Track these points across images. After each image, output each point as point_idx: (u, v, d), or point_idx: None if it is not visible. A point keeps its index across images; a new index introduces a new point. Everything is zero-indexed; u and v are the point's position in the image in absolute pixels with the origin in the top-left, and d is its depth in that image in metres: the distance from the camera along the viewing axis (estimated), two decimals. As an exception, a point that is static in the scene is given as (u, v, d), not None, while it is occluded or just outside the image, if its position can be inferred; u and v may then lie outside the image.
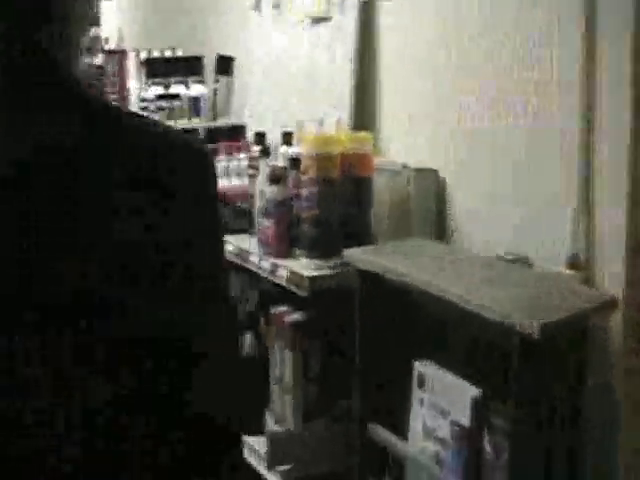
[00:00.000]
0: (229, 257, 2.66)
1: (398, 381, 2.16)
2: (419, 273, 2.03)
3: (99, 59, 4.76)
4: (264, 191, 2.44)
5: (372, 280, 2.14)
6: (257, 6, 3.36)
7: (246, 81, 3.41)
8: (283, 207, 2.41)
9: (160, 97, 3.47)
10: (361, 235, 2.34)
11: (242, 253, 2.56)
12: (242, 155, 2.94)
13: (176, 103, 3.45)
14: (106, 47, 5.77)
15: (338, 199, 2.30)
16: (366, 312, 2.20)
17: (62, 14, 1.00)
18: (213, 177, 1.09)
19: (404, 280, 2.03)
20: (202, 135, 3.08)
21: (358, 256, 2.19)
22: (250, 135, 3.12)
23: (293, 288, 2.29)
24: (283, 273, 2.33)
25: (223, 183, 2.91)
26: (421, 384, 2.10)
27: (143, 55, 3.81)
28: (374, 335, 2.22)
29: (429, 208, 2.43)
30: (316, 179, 2.26)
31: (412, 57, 2.55)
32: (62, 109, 1.00)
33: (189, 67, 3.66)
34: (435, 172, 2.43)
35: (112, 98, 4.24)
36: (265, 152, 2.50)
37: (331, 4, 2.85)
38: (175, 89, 3.54)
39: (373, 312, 2.20)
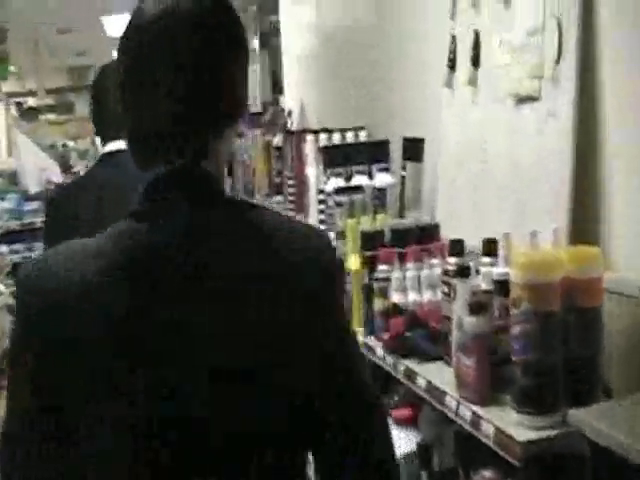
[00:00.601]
0: (419, 392, 2.21)
1: None
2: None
3: (279, 139, 4.45)
4: (462, 320, 1.96)
5: (605, 451, 1.62)
6: (449, 82, 2.92)
7: (437, 169, 2.96)
8: (486, 342, 1.93)
9: (340, 190, 3.07)
10: (588, 384, 1.81)
11: (436, 392, 2.10)
12: (435, 261, 2.49)
13: (358, 197, 3.02)
14: (288, 123, 5.52)
15: (558, 338, 1.79)
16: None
17: (215, 151, 1.32)
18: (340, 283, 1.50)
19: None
20: (388, 237, 2.64)
21: (585, 420, 1.66)
22: (443, 235, 2.66)
23: (501, 452, 1.79)
24: (488, 430, 1.84)
25: (413, 297, 2.46)
26: None
27: (322, 140, 3.42)
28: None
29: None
30: (530, 313, 1.77)
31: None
32: (213, 208, 1.29)
33: (373, 153, 3.22)
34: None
35: (290, 184, 3.91)
36: (463, 272, 2.02)
37: (541, 80, 2.36)
38: (357, 180, 3.11)
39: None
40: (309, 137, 3.49)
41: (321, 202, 3.12)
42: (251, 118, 8.10)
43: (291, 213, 3.86)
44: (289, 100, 6.32)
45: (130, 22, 1.29)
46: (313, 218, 3.35)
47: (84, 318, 1.20)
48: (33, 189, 8.21)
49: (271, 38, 8.04)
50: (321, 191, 3.15)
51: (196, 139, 1.28)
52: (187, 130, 1.27)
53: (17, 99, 15.90)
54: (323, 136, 3.44)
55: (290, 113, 5.68)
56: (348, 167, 3.13)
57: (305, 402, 1.27)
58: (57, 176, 8.45)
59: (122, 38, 1.29)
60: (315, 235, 1.37)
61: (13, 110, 16.30)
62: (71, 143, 13.25)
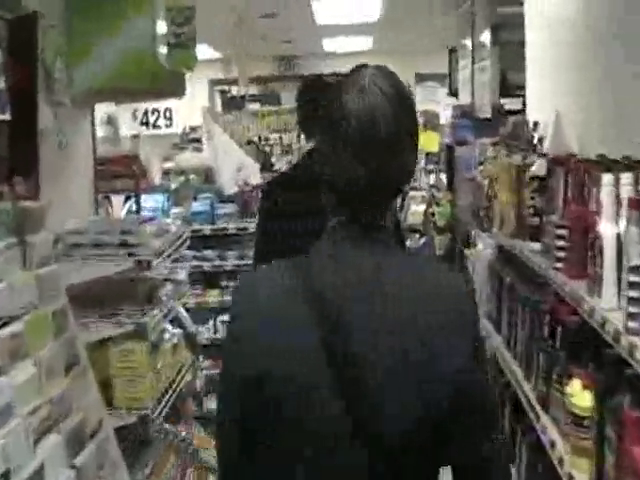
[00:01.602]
0: None
1: None
2: None
3: (540, 165, 3.35)
4: None
5: None
6: None
7: None
8: None
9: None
10: None
11: None
12: None
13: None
14: (535, 139, 4.42)
15: None
16: None
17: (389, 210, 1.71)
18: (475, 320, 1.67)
19: None
20: None
21: None
22: None
23: None
24: None
25: None
26: None
27: (625, 183, 2.28)
28: None
29: None
30: None
31: None
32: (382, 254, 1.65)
33: None
34: None
35: (558, 234, 2.79)
36: None
37: None
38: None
39: None
40: (606, 178, 2.37)
41: (633, 286, 2.01)
42: (477, 125, 6.98)
43: (561, 277, 2.75)
44: (532, 108, 5.23)
45: (335, 109, 1.64)
46: (607, 302, 2.24)
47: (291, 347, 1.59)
48: (228, 190, 7.41)
49: (502, 32, 7.00)
50: (635, 268, 2.03)
51: (376, 206, 1.67)
52: (369, 199, 1.65)
53: (221, 87, 15.39)
54: (626, 177, 2.33)
55: (536, 125, 4.57)
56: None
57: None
58: (255, 177, 7.61)
59: (329, 122, 1.66)
60: (454, 286, 1.68)
61: (217, 98, 15.87)
62: (273, 136, 12.55)
